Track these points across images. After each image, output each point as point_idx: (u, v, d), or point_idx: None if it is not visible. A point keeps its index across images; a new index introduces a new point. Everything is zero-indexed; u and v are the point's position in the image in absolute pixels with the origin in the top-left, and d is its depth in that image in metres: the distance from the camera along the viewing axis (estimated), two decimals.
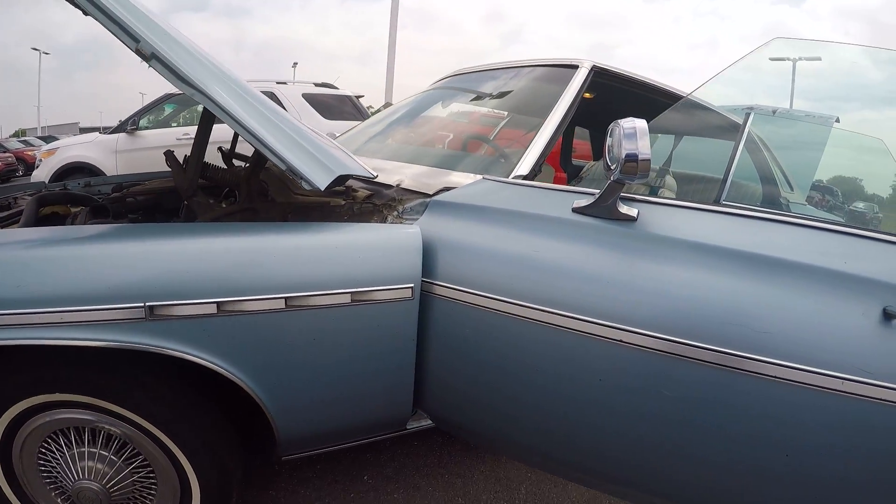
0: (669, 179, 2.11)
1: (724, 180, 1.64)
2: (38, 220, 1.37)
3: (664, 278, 0.96)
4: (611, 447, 1.03)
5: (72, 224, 1.34)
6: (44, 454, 1.06)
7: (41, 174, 5.03)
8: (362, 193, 1.26)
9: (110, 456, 1.05)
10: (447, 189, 1.19)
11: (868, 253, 0.97)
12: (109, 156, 4.98)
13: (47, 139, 15.61)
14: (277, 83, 5.20)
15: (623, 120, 0.93)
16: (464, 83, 1.96)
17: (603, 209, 1.00)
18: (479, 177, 1.19)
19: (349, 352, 1.03)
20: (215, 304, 0.93)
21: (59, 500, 1.10)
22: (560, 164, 2.95)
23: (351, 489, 1.45)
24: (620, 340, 0.94)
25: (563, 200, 1.07)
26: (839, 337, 0.91)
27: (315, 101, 5.04)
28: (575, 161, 3.10)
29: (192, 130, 5.31)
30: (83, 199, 1.53)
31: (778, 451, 0.93)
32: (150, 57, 0.95)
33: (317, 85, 5.41)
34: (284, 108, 4.94)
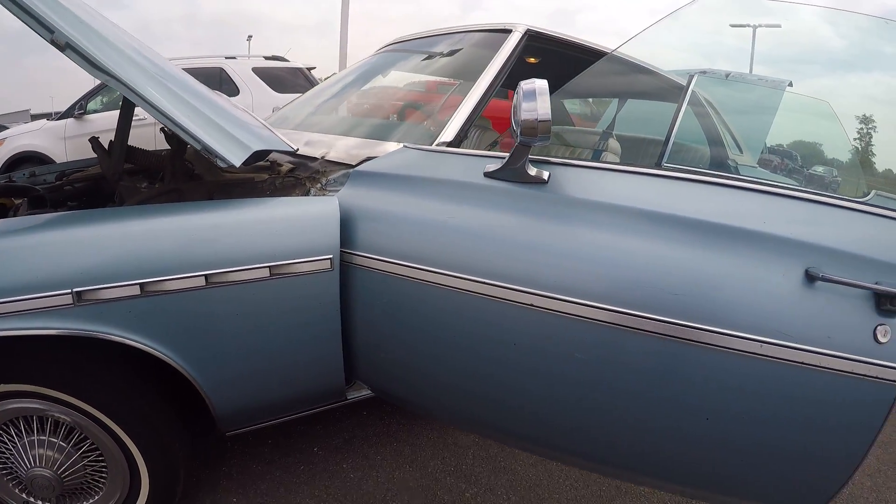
0: (613, 143, 2.20)
1: (666, 143, 1.73)
2: (28, 200, 1.42)
3: (574, 240, 1.03)
4: (532, 409, 1.12)
5: (13, 216, 1.41)
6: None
7: None
8: (287, 167, 1.34)
9: (59, 442, 1.14)
10: (370, 159, 1.26)
11: (789, 213, 1.01)
12: (58, 143, 4.96)
13: None
14: (227, 58, 5.21)
15: (524, 81, 0.99)
16: (404, 52, 2.01)
17: (512, 172, 1.07)
18: (401, 145, 1.27)
19: (275, 324, 1.13)
20: (138, 286, 1.01)
21: (16, 490, 1.19)
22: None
23: (301, 461, 1.56)
24: (531, 304, 1.03)
25: (479, 165, 1.14)
26: (759, 299, 0.95)
27: (265, 75, 5.10)
28: None
29: (140, 111, 5.35)
30: (25, 189, 1.59)
31: (697, 414, 0.99)
32: (65, 47, 1.00)
33: (267, 58, 5.44)
34: (235, 84, 4.98)
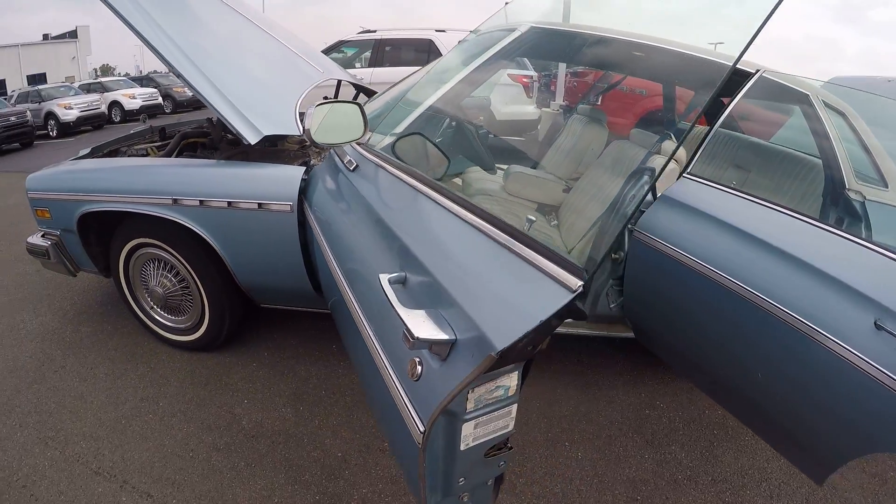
0: (667, 144, 2.30)
1: (695, 152, 1.83)
2: (181, 149, 2.67)
3: (352, 207, 1.52)
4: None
5: (199, 150, 2.60)
6: (142, 272, 2.36)
7: None
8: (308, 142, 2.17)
9: (170, 276, 2.29)
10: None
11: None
12: None
13: None
14: (437, 31, 6.29)
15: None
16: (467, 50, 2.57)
17: (349, 162, 1.67)
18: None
19: (264, 237, 2.00)
20: (199, 201, 2.01)
21: (147, 296, 2.41)
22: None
23: (305, 345, 2.48)
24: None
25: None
26: None
27: None
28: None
29: (362, 72, 6.97)
30: (203, 134, 2.82)
31: None
32: (175, 73, 2.01)
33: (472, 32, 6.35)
34: (442, 55, 6.03)
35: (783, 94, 2.06)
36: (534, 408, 2.05)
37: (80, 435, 1.85)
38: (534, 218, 1.02)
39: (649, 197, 1.82)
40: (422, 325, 0.74)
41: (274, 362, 2.35)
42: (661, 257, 1.61)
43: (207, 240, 2.05)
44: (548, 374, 2.26)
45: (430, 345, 0.74)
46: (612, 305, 1.99)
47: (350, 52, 7.60)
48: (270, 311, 2.49)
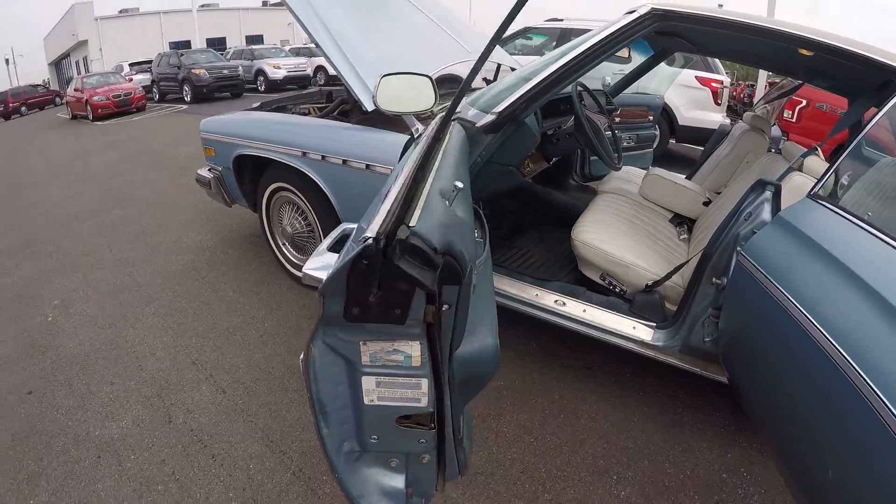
0: (811, 160, 1.90)
1: (828, 169, 1.53)
2: (337, 113, 2.97)
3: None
4: None
5: (347, 116, 2.89)
6: (280, 212, 2.70)
7: None
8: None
9: (298, 217, 2.60)
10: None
11: None
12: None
13: None
14: None
15: None
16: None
17: (416, 130, 1.86)
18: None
19: (369, 195, 2.13)
20: (321, 156, 2.23)
21: (277, 231, 2.76)
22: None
23: None
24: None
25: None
26: None
27: None
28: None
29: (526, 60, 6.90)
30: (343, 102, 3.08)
31: None
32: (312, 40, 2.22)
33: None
34: None
35: None
36: (598, 429, 1.88)
37: (193, 332, 2.23)
38: (461, 185, 0.98)
39: (768, 217, 1.50)
40: (315, 264, 0.78)
41: None
42: (761, 293, 1.31)
43: (325, 190, 2.27)
44: (632, 401, 2.04)
45: (318, 283, 0.77)
46: (706, 339, 1.71)
47: (536, 40, 7.54)
48: None
